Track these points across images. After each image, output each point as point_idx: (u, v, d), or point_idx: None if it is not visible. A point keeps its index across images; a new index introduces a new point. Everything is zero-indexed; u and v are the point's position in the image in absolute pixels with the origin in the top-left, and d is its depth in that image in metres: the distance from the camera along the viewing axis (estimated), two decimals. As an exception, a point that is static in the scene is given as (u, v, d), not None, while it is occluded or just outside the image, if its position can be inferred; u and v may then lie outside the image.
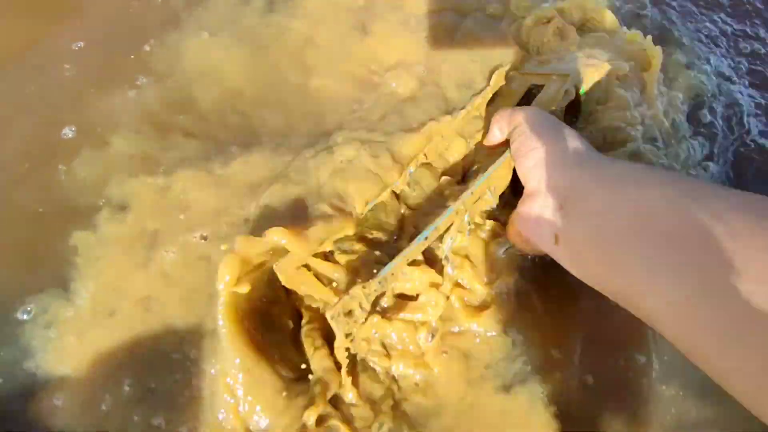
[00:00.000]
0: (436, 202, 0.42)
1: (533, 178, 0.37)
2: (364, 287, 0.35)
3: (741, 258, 0.24)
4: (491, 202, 0.42)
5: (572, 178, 0.34)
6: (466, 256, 0.40)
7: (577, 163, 0.35)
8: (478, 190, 0.40)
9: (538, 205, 0.36)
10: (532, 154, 0.37)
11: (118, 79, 0.51)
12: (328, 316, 0.34)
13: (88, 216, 0.44)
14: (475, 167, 0.44)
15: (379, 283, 0.36)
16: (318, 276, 0.38)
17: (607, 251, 0.30)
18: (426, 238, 0.38)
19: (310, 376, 0.36)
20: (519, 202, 0.39)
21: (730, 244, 0.24)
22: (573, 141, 0.37)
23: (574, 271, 0.34)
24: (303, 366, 0.37)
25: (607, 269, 0.31)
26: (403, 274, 0.38)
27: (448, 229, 0.40)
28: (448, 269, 0.40)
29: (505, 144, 0.42)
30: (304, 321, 0.39)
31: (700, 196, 0.27)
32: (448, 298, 0.39)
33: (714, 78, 0.59)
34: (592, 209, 0.32)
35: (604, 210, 0.31)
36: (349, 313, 0.35)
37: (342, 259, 0.39)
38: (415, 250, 0.37)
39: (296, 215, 0.39)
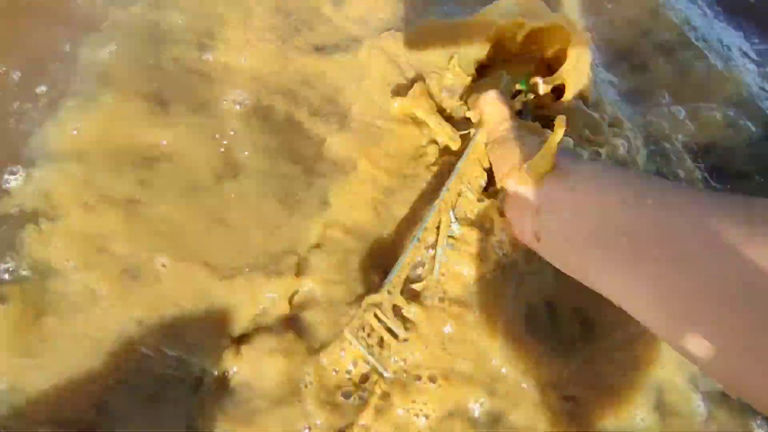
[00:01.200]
0: None
1: (508, 184, 0.40)
2: (372, 297, 0.36)
3: (697, 246, 0.25)
4: (472, 198, 0.44)
5: (541, 186, 0.36)
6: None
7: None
8: (453, 186, 0.43)
9: (518, 207, 0.39)
10: (504, 160, 0.40)
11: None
12: (346, 334, 0.35)
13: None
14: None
15: (388, 292, 0.37)
16: None
17: (581, 254, 0.33)
18: (419, 239, 0.40)
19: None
20: (504, 201, 0.42)
21: (687, 234, 0.26)
22: (536, 143, 0.39)
23: (558, 266, 0.36)
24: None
25: (584, 271, 0.33)
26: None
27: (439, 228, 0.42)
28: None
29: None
30: None
31: (658, 194, 0.29)
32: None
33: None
34: (563, 215, 0.34)
35: (573, 216, 0.33)
36: (369, 331, 0.36)
37: None
38: (411, 253, 0.39)
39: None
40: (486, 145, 0.45)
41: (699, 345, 0.25)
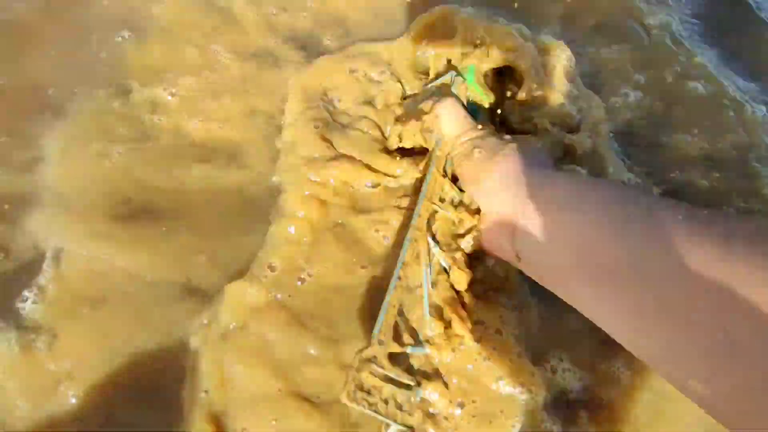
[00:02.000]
0: None
1: (482, 204, 0.39)
2: (361, 352, 0.34)
3: (679, 272, 0.24)
4: (447, 216, 0.41)
5: (515, 205, 0.35)
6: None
7: (518, 189, 0.35)
8: (422, 210, 0.40)
9: (495, 227, 0.37)
10: (475, 180, 0.38)
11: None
12: (343, 400, 0.33)
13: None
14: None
15: (379, 342, 0.35)
16: None
17: (561, 280, 0.32)
18: (399, 278, 0.38)
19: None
20: (479, 219, 0.39)
21: (667, 263, 0.25)
22: (510, 158, 0.37)
23: (540, 283, 0.35)
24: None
25: (565, 294, 0.32)
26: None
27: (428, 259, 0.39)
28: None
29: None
30: None
31: (634, 216, 0.28)
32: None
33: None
34: (539, 238, 0.33)
35: (550, 242, 0.32)
36: (367, 391, 0.34)
37: None
38: (394, 294, 0.37)
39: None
40: (448, 157, 0.42)
41: (685, 382, 0.24)
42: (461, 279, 0.39)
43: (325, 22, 0.55)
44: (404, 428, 0.34)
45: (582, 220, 0.30)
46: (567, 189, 0.34)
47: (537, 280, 0.35)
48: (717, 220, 0.26)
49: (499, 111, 0.47)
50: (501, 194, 0.36)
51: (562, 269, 0.32)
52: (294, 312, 0.40)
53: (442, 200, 0.42)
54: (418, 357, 0.37)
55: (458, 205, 0.42)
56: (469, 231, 0.40)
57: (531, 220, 0.33)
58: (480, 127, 0.42)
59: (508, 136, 0.41)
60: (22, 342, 0.38)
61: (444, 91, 0.45)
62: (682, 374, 0.25)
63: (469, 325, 0.38)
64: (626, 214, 0.29)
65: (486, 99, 0.45)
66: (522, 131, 0.45)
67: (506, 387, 0.37)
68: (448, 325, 0.37)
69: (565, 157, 0.45)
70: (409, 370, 0.36)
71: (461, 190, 0.42)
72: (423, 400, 0.35)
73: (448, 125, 0.42)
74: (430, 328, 0.37)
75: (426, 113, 0.43)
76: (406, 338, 0.37)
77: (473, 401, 0.36)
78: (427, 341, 0.37)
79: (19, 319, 0.39)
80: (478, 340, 0.37)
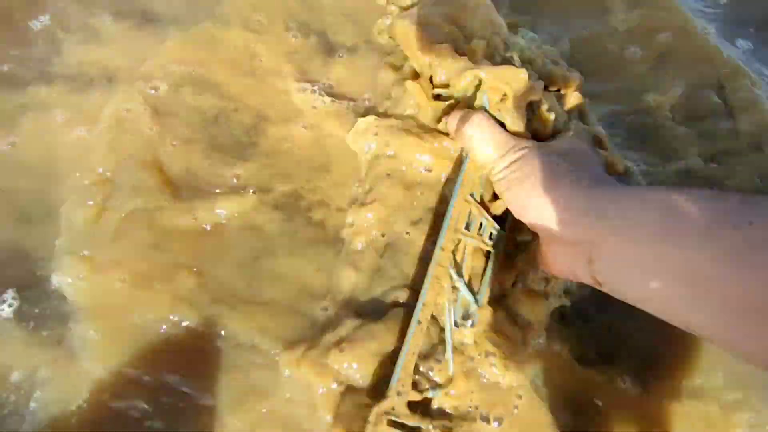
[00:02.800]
0: None
1: (545, 232, 0.34)
2: (377, 405, 0.33)
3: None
4: (477, 244, 0.38)
5: (592, 232, 0.31)
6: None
7: (592, 213, 0.31)
8: (446, 242, 0.37)
9: (564, 255, 0.33)
10: (531, 205, 0.34)
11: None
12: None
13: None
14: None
15: (398, 393, 0.34)
16: None
17: (670, 311, 0.29)
18: (419, 321, 0.35)
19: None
20: (538, 247, 0.36)
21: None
22: (570, 178, 0.33)
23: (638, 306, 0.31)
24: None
25: (679, 324, 0.29)
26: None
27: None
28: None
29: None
30: None
31: (754, 240, 0.25)
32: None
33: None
34: (631, 268, 0.29)
35: (644, 271, 0.28)
36: None
37: None
38: (413, 339, 0.35)
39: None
40: (481, 179, 0.38)
41: None
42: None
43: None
44: None
45: (690, 252, 0.26)
46: (656, 214, 0.29)
47: (622, 299, 0.31)
48: None
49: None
50: (572, 221, 0.32)
51: (666, 297, 0.28)
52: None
53: (467, 227, 0.38)
54: (437, 398, 0.35)
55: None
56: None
57: (614, 249, 0.30)
58: (520, 140, 0.37)
59: (552, 143, 0.37)
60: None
61: (469, 105, 0.40)
62: None
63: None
64: (743, 240, 0.25)
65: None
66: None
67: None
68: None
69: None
70: (430, 412, 0.35)
71: (497, 219, 0.38)
72: None
73: (485, 145, 0.37)
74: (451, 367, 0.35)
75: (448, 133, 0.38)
76: (424, 383, 0.35)
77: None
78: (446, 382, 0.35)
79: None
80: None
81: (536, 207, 0.33)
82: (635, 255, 0.29)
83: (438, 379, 0.35)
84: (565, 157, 0.35)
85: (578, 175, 0.33)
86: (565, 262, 0.33)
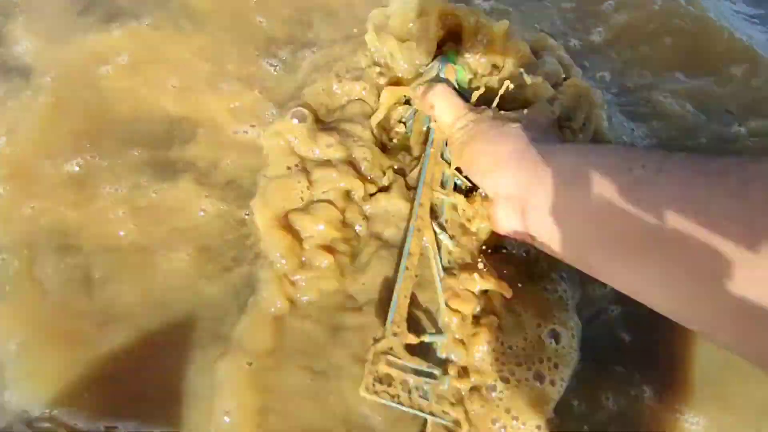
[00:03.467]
0: None
1: (488, 188, 0.38)
2: (375, 345, 0.34)
3: (698, 231, 0.24)
4: (452, 202, 0.41)
5: (521, 186, 0.34)
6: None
7: (523, 169, 0.35)
8: (423, 199, 0.40)
9: (505, 210, 0.36)
10: (474, 162, 0.38)
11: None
12: (362, 393, 0.33)
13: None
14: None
15: (394, 334, 0.35)
16: None
17: (580, 253, 0.32)
18: (407, 268, 0.38)
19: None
20: (487, 204, 0.39)
21: (685, 224, 0.25)
22: (510, 138, 0.36)
23: (564, 261, 0.34)
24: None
25: (588, 269, 0.32)
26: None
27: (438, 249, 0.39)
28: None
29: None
30: None
31: (644, 180, 0.27)
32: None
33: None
34: (551, 216, 0.32)
35: (561, 218, 0.31)
36: (387, 378, 0.34)
37: None
38: (403, 284, 0.37)
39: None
40: (446, 143, 0.42)
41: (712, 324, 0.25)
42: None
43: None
44: (439, 419, 0.34)
45: (592, 193, 0.29)
46: (573, 162, 0.32)
47: (557, 257, 0.34)
48: (730, 168, 0.24)
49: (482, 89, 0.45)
50: (506, 175, 0.35)
51: (581, 245, 0.31)
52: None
53: (442, 186, 0.41)
54: (443, 346, 0.36)
55: (467, 192, 0.41)
56: (475, 218, 0.40)
57: (540, 199, 0.32)
58: (474, 107, 0.41)
59: (505, 113, 0.40)
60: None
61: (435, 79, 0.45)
62: (730, 337, 0.25)
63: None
64: (634, 180, 0.28)
65: (469, 76, 0.45)
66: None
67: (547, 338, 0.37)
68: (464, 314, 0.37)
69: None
70: (435, 361, 0.36)
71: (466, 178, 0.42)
72: (453, 387, 0.35)
73: (444, 112, 0.41)
74: (447, 315, 0.37)
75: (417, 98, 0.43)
76: (424, 328, 0.37)
77: (512, 374, 0.36)
78: (445, 329, 0.37)
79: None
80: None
81: (480, 164, 0.37)
82: (554, 202, 0.31)
83: (439, 323, 0.37)
84: (515, 121, 0.38)
85: (522, 135, 0.36)
86: (507, 219, 0.36)
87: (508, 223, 0.36)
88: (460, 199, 0.40)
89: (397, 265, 0.38)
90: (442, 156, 0.42)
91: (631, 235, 0.27)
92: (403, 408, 0.34)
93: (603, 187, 0.29)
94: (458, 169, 0.42)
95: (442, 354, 0.36)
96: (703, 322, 0.26)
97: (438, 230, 0.40)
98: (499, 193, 0.36)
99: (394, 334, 0.35)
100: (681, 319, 0.27)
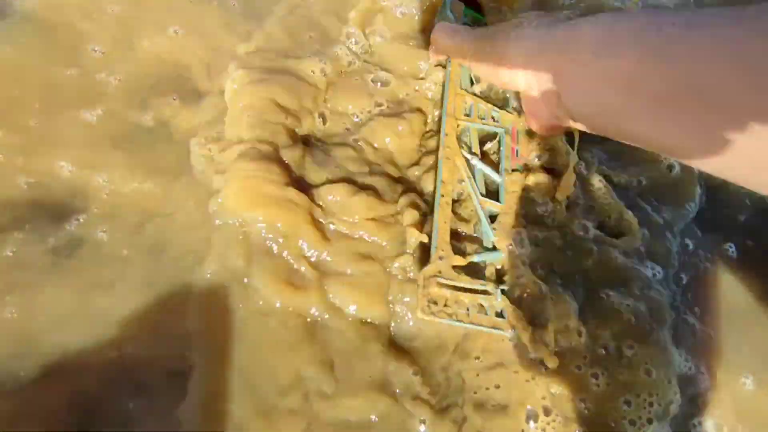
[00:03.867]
0: None
1: (519, 85, 0.37)
2: (425, 270, 0.35)
3: (736, 78, 0.24)
4: (478, 129, 0.41)
5: (551, 68, 0.33)
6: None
7: (547, 51, 0.34)
8: (448, 128, 0.41)
9: (540, 100, 0.35)
10: (500, 68, 0.37)
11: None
12: (419, 316, 0.34)
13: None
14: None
15: (440, 258, 0.36)
16: None
17: (615, 120, 0.31)
18: (442, 195, 0.38)
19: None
20: (522, 102, 0.39)
21: (722, 75, 0.24)
22: (525, 28, 0.36)
23: (597, 132, 0.33)
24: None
25: (622, 134, 0.31)
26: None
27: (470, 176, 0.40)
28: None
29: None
30: None
31: (674, 38, 0.27)
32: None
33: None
34: (586, 90, 0.31)
35: (596, 89, 0.31)
36: (441, 299, 0.35)
37: None
38: (441, 210, 0.38)
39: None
40: (460, 67, 0.43)
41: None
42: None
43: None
44: (501, 331, 0.34)
45: (625, 59, 0.28)
46: (597, 33, 0.31)
47: (595, 132, 0.33)
48: (765, 9, 0.23)
49: None
50: (532, 64, 0.35)
51: (620, 114, 0.30)
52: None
53: (467, 115, 0.42)
54: (498, 261, 0.37)
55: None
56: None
57: (573, 77, 0.32)
58: (482, 28, 0.42)
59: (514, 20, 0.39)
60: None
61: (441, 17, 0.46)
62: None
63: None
64: (665, 40, 0.27)
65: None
66: None
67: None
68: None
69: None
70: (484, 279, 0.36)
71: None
72: (506, 297, 0.35)
73: (447, 41, 0.42)
74: (491, 236, 0.37)
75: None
76: (470, 249, 0.38)
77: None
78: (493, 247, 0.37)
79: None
80: None
81: (503, 65, 0.37)
82: (585, 75, 0.31)
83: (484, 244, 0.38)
84: (522, 20, 0.37)
85: (535, 22, 0.36)
86: (544, 110, 0.35)
87: (545, 115, 0.36)
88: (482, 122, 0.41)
89: (433, 196, 0.39)
90: (463, 88, 0.42)
91: (669, 92, 0.26)
92: (464, 325, 0.34)
93: (635, 51, 0.28)
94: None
95: (489, 274, 0.37)
96: (743, 168, 0.25)
97: (469, 156, 0.40)
98: (531, 86, 0.35)
99: (440, 258, 0.36)
100: (717, 170, 0.26)
